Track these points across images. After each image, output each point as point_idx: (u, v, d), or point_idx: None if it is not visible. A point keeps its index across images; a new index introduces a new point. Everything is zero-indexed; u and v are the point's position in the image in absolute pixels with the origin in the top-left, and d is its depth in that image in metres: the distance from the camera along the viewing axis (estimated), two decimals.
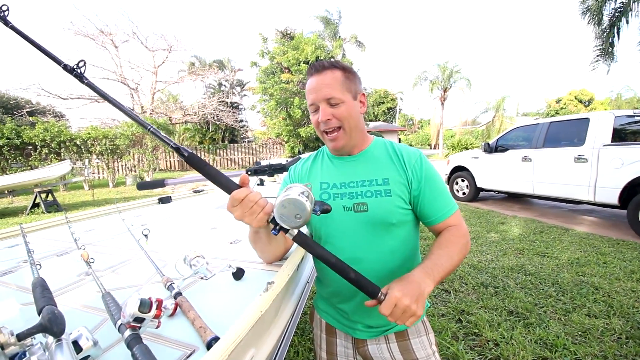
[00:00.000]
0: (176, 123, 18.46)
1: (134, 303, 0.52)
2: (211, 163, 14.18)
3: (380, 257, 0.84)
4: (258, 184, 2.80)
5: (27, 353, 0.46)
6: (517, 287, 2.51)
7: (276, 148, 20.53)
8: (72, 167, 9.25)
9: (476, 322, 2.03)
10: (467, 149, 16.25)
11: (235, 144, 21.30)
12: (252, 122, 29.09)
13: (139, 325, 0.53)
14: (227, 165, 20.32)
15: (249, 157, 20.45)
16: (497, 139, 5.77)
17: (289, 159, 2.23)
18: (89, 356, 0.52)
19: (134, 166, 12.90)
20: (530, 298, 2.33)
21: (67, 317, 0.50)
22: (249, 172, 1.97)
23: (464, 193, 6.38)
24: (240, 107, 25.01)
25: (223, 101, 19.12)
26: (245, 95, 25.77)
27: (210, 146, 20.70)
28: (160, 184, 1.92)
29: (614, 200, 3.89)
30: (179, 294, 0.72)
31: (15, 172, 8.81)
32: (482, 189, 6.07)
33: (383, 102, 33.56)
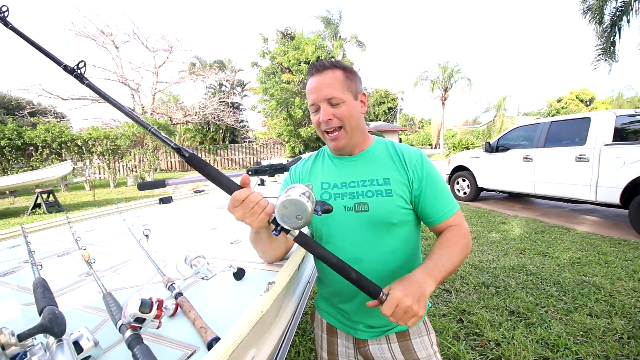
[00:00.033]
0: (177, 123, 18.49)
1: (135, 303, 0.52)
2: (212, 163, 14.20)
3: (381, 257, 0.84)
4: (259, 184, 2.81)
5: (28, 353, 0.46)
6: (518, 287, 2.50)
7: (277, 148, 20.54)
8: (73, 168, 9.27)
9: (477, 322, 2.02)
10: (468, 148, 16.24)
11: (236, 144, 21.32)
12: (252, 123, 29.11)
13: (139, 325, 0.53)
14: (228, 166, 20.34)
15: (250, 158, 20.46)
16: (498, 139, 5.76)
17: (290, 159, 2.23)
18: (89, 356, 0.52)
19: (135, 166, 12.92)
20: (531, 298, 2.33)
21: (68, 318, 0.50)
22: (250, 172, 1.97)
23: (465, 193, 6.37)
24: (241, 107, 25.03)
25: (224, 101, 19.14)
26: (245, 95, 25.80)
27: (211, 146, 20.72)
28: (161, 184, 1.92)
29: (616, 199, 3.88)
30: (179, 294, 0.72)
31: (17, 173, 8.86)
32: (483, 189, 6.06)
33: (384, 102, 33.55)
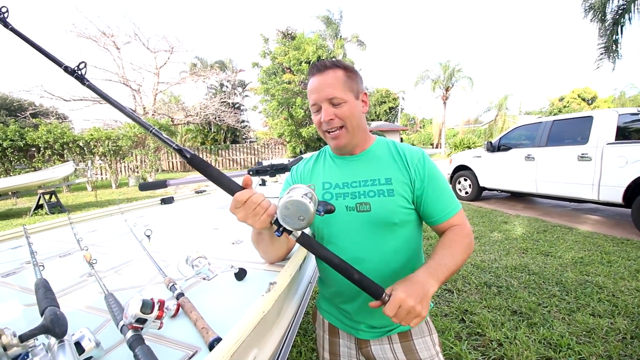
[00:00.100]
0: (178, 124, 18.52)
1: (137, 304, 0.52)
2: (213, 164, 14.26)
3: (383, 257, 0.83)
4: (260, 184, 2.81)
5: (29, 354, 0.46)
6: (520, 287, 2.49)
7: (278, 148, 20.55)
8: (75, 169, 9.30)
9: (479, 322, 2.02)
10: (469, 148, 16.20)
11: (237, 145, 21.33)
12: (253, 123, 29.11)
13: (141, 326, 0.53)
14: (229, 166, 20.36)
15: (251, 158, 20.47)
16: (500, 138, 5.74)
17: (291, 159, 2.22)
18: (91, 357, 0.52)
19: (137, 167, 12.96)
20: (533, 298, 2.32)
21: (69, 318, 0.50)
22: (251, 173, 1.96)
23: (466, 192, 6.36)
24: (242, 107, 25.04)
25: (225, 102, 19.16)
26: (247, 95, 25.80)
27: (212, 147, 20.75)
28: (162, 184, 1.92)
29: (618, 199, 3.86)
30: (181, 294, 0.72)
31: (19, 174, 8.89)
32: (485, 188, 6.04)
33: (385, 102, 33.53)
